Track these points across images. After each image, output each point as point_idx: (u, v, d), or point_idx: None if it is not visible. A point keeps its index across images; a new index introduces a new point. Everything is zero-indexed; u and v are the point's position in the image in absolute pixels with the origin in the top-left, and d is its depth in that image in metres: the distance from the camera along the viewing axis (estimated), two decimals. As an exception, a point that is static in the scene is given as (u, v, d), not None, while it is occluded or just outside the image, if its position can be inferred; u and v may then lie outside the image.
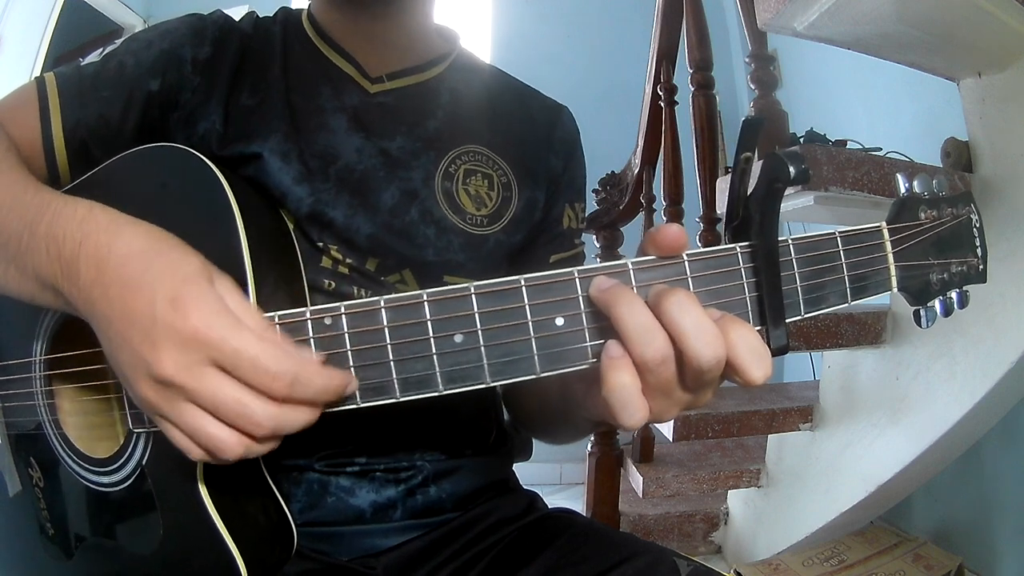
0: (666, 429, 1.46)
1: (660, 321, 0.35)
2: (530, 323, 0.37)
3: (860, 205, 1.20)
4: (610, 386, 0.35)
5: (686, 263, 0.38)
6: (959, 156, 1.27)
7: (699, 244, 1.51)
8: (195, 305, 0.36)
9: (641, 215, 1.91)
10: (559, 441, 0.64)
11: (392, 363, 0.38)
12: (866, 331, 1.39)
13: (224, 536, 0.45)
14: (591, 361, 0.38)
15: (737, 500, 1.84)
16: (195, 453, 0.37)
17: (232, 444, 0.36)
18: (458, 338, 0.37)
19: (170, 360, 0.35)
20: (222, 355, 0.35)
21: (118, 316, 0.37)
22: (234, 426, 0.36)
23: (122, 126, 0.57)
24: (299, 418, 0.37)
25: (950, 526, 1.64)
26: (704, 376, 0.35)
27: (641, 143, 1.88)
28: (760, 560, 1.56)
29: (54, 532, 0.57)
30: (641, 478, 1.62)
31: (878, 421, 1.40)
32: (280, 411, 0.36)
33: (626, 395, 0.35)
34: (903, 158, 1.30)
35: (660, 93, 1.75)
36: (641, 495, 1.64)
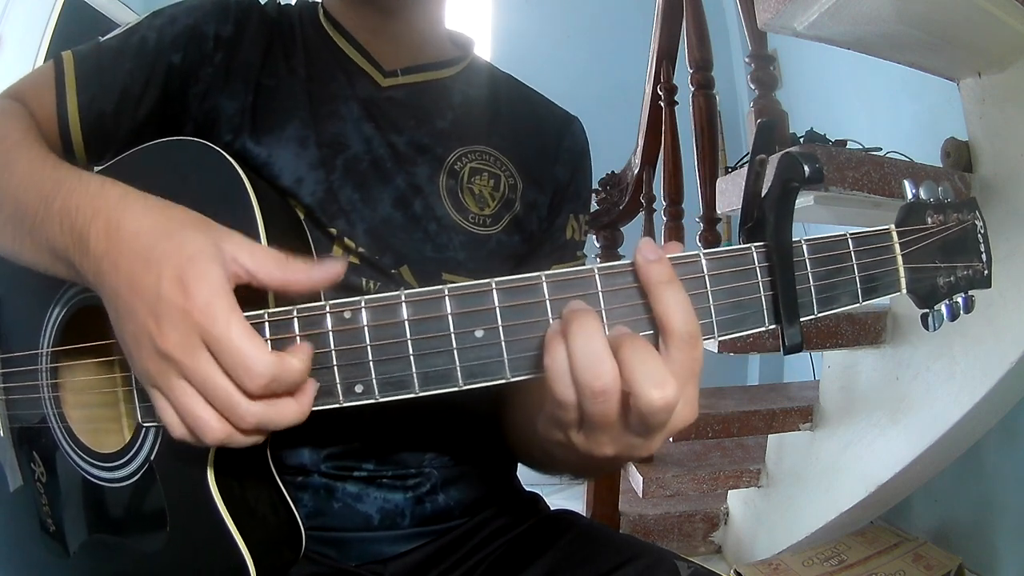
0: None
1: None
2: (550, 319, 0.37)
3: (860, 205, 1.19)
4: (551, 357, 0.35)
5: (703, 261, 0.38)
6: (959, 156, 1.26)
7: (699, 244, 1.51)
8: (196, 284, 0.37)
9: (641, 215, 1.91)
10: (536, 466, 0.60)
11: (412, 357, 0.38)
12: (866, 331, 1.39)
13: (234, 535, 0.45)
14: None
15: (737, 500, 1.84)
16: (177, 431, 0.38)
17: (216, 428, 0.37)
18: (479, 333, 0.38)
19: (171, 335, 0.36)
20: (209, 338, 0.36)
21: (126, 288, 0.38)
22: (221, 414, 0.37)
23: (142, 99, 0.58)
24: (287, 415, 0.38)
25: (950, 526, 1.64)
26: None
27: (641, 143, 1.88)
28: (760, 560, 1.56)
29: (55, 528, 0.57)
30: (641, 478, 1.62)
31: (878, 421, 1.40)
32: (266, 408, 0.37)
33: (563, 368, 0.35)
34: (903, 158, 1.30)
35: (660, 93, 1.75)
36: (641, 495, 1.64)
